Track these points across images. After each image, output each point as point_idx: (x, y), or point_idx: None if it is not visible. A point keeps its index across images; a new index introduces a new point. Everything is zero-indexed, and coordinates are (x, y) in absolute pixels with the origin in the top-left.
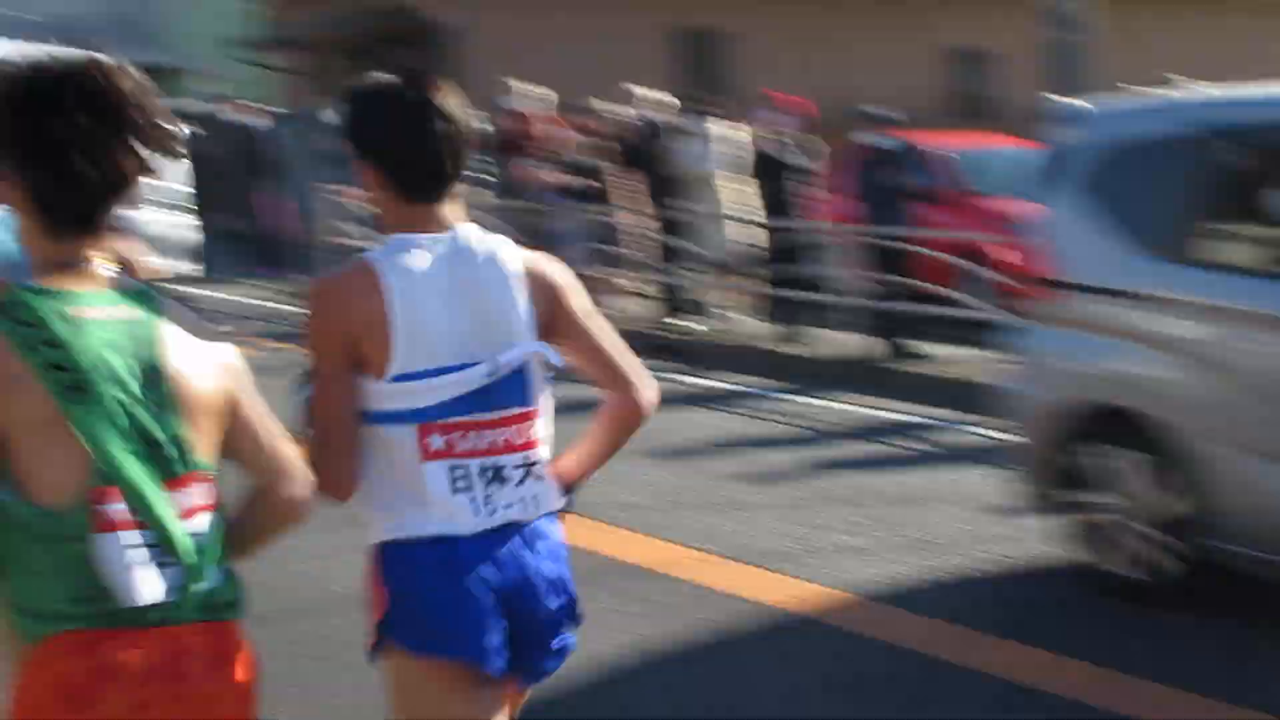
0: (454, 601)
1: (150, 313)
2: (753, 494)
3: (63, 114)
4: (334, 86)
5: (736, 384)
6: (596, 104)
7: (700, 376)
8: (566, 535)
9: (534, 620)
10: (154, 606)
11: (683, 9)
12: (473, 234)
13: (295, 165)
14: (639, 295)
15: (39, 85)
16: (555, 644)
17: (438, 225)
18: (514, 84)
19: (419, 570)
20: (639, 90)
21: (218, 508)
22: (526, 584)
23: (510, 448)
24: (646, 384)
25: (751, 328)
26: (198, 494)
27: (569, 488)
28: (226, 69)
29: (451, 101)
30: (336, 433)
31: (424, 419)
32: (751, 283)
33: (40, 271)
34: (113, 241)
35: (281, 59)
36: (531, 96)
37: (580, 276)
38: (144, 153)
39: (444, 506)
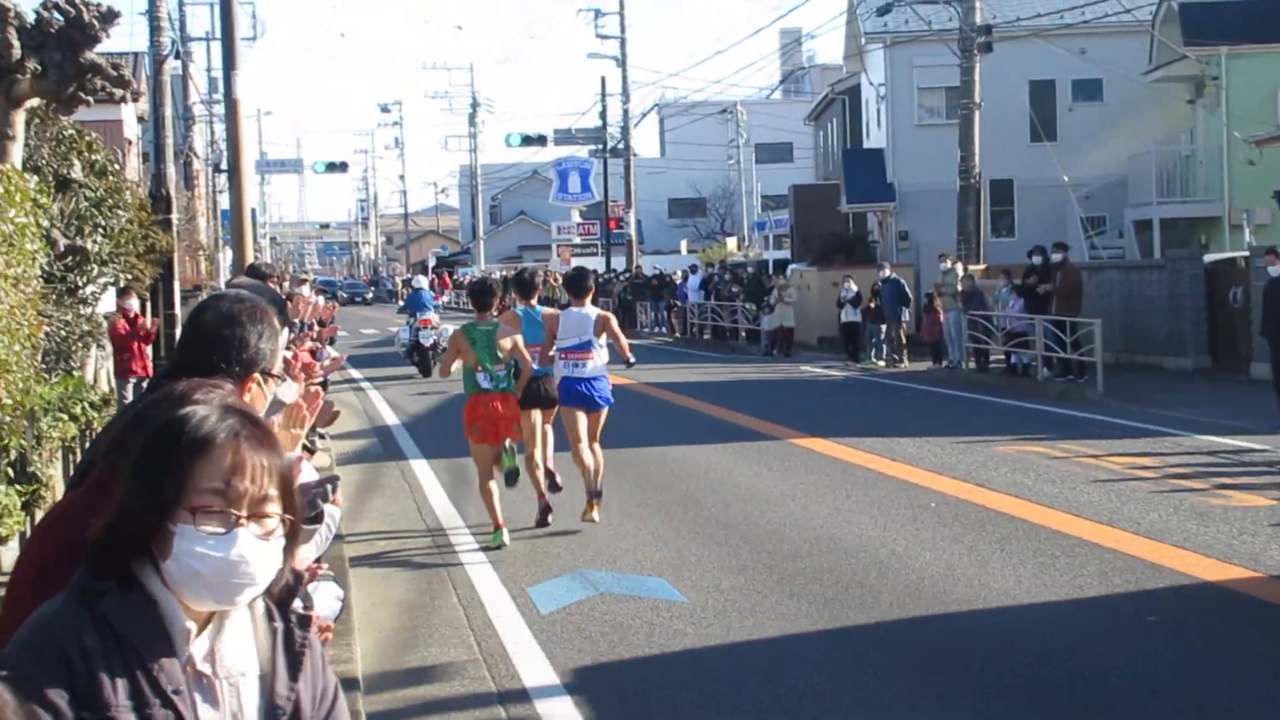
0: (568, 392)
1: (493, 327)
2: None
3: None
4: None
5: None
6: None
7: None
8: None
9: (593, 398)
10: (486, 389)
11: None
12: (589, 306)
13: None
14: None
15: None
16: (600, 404)
17: (580, 305)
18: None
19: (563, 385)
20: None
21: (507, 368)
22: (589, 390)
23: (583, 358)
24: (629, 350)
25: None
26: (499, 366)
27: (627, 362)
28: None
29: (586, 271)
30: (545, 348)
31: (563, 350)
32: None
33: (476, 318)
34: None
35: None
36: None
37: None
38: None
39: (565, 370)
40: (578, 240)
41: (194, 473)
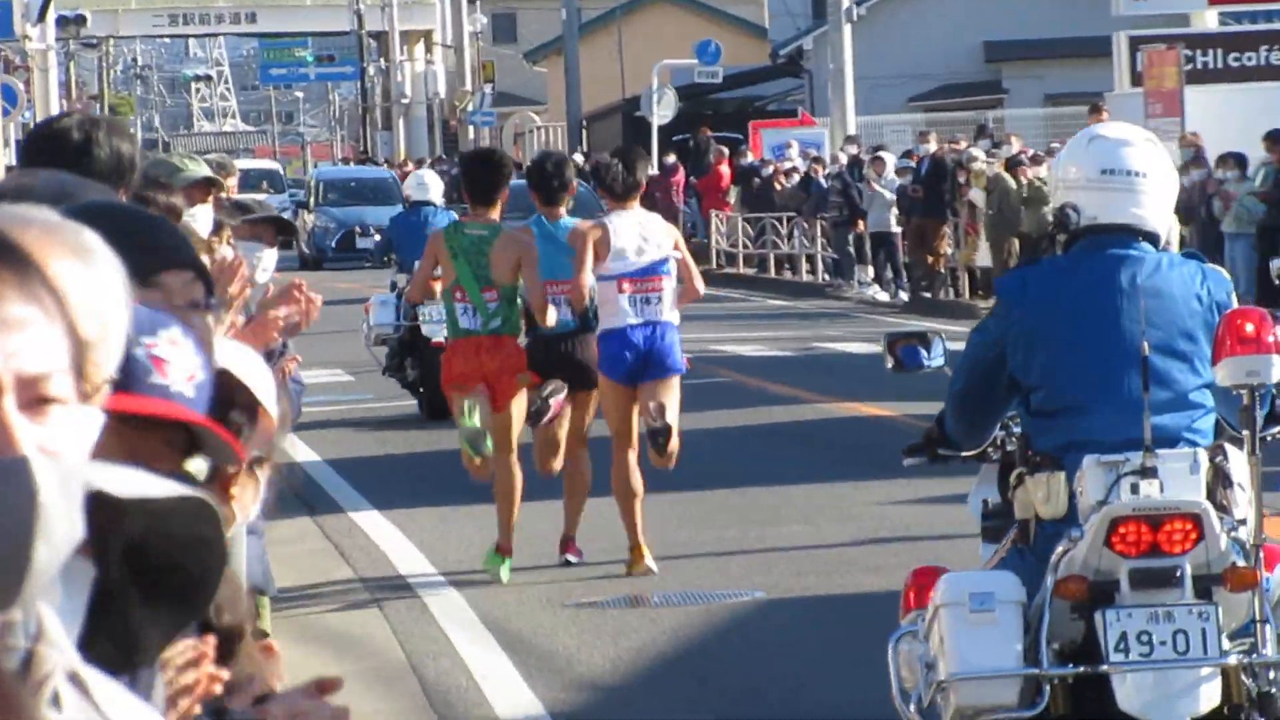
0: (618, 351)
1: (490, 232)
2: None
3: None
4: None
5: None
6: None
7: None
8: None
9: (659, 358)
10: (468, 329)
11: None
12: (642, 212)
13: None
14: None
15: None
16: (674, 368)
17: (626, 207)
18: None
19: (608, 340)
20: None
21: (503, 298)
22: (656, 345)
23: (653, 288)
24: (700, 281)
25: None
26: (491, 294)
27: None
28: None
29: (636, 156)
30: (579, 282)
31: (622, 277)
32: None
33: (471, 216)
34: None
35: None
36: None
37: None
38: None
39: (622, 313)
40: None
41: None
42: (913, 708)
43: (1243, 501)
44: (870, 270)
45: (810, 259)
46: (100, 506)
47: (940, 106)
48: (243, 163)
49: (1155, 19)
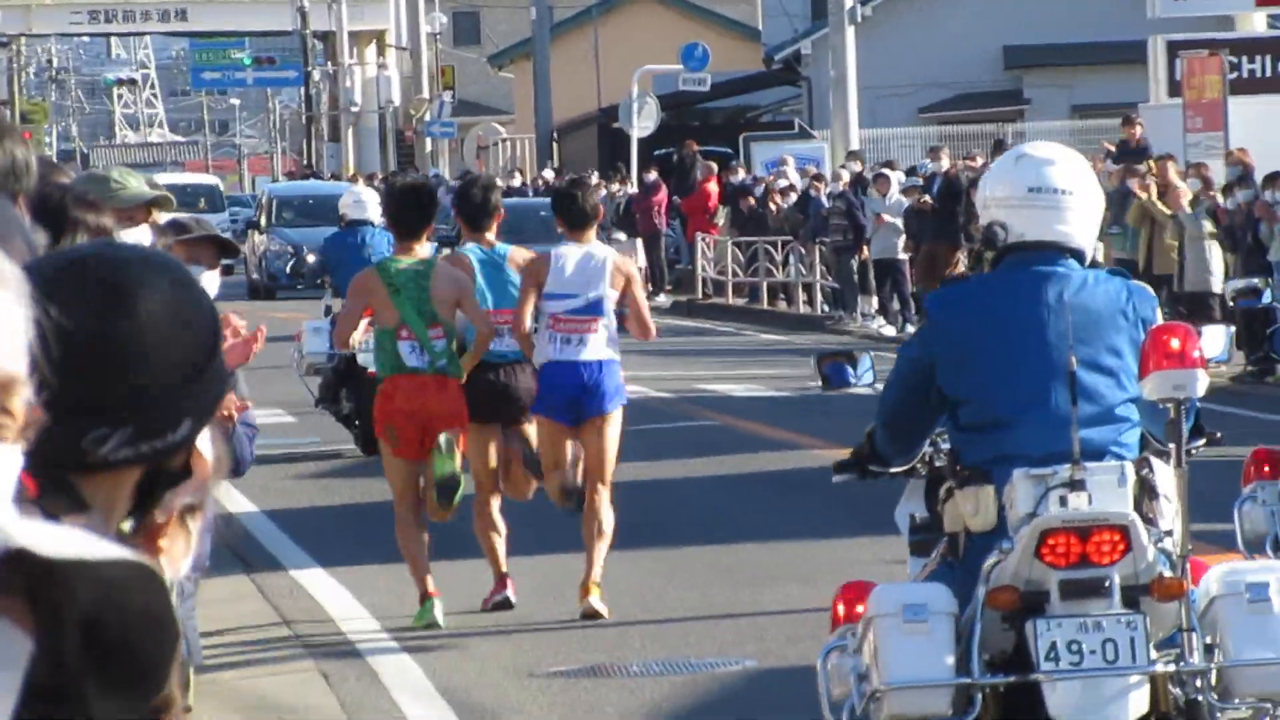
0: (553, 386)
1: (425, 267)
2: None
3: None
4: None
5: None
6: None
7: None
8: None
9: (588, 399)
10: (415, 368)
11: None
12: (597, 246)
13: None
14: None
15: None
16: (601, 409)
17: (579, 239)
18: None
19: (545, 375)
20: None
21: (448, 335)
22: (585, 385)
23: (584, 329)
24: (651, 327)
25: None
26: (437, 331)
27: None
28: None
29: (584, 184)
30: (521, 313)
31: (553, 314)
32: None
33: (397, 252)
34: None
35: None
36: None
37: None
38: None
39: (551, 350)
40: None
41: None
42: (845, 718)
43: (1169, 513)
44: (875, 301)
45: (808, 288)
46: (35, 569)
47: (954, 119)
48: (173, 177)
49: (1196, 22)
